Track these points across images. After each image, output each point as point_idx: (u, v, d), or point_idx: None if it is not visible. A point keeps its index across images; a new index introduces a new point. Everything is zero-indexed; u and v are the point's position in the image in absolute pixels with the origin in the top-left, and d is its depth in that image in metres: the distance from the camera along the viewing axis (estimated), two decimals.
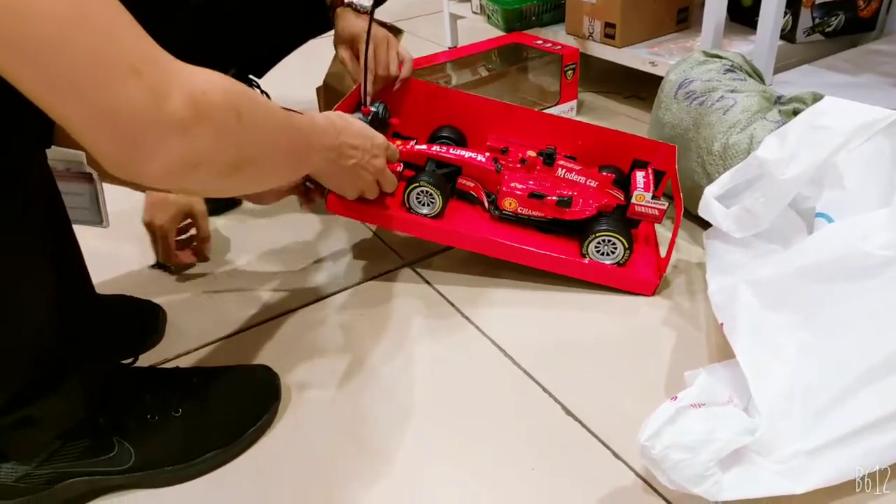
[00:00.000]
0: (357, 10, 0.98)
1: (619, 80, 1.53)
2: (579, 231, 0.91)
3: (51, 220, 0.57)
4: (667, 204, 0.88)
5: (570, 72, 1.35)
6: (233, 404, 0.71)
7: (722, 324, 0.71)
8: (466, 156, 0.94)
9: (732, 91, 0.99)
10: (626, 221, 0.90)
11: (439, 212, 0.93)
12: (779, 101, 0.98)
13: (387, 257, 0.99)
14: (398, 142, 0.96)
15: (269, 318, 0.88)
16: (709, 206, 0.83)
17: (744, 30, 1.37)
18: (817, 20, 1.32)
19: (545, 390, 0.75)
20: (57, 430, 0.61)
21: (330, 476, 0.67)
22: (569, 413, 0.72)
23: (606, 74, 1.56)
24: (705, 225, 0.88)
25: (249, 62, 1.31)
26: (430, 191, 0.90)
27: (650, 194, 0.88)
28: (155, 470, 0.66)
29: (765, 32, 1.13)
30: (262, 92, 1.38)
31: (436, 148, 0.95)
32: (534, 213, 0.92)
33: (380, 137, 0.79)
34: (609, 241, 0.88)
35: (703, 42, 1.20)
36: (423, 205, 0.92)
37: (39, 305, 0.56)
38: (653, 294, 0.88)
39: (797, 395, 0.62)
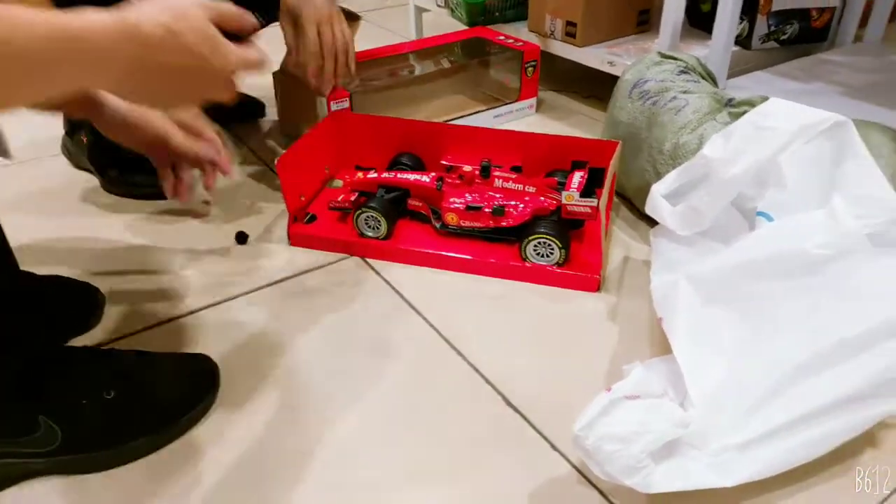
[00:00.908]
0: None
1: (580, 79, 1.54)
2: (519, 236, 0.93)
3: None
4: (597, 201, 0.88)
5: (530, 69, 1.36)
6: (168, 390, 0.69)
7: (661, 318, 0.72)
8: (412, 178, 0.99)
9: (685, 92, 1.00)
10: (563, 223, 0.92)
11: (386, 233, 0.97)
12: (729, 103, 0.99)
13: None
14: (359, 173, 1.03)
15: (211, 305, 0.86)
16: (655, 203, 0.83)
17: (702, 35, 1.39)
18: (773, 28, 1.35)
19: (487, 381, 0.75)
20: None
21: (264, 467, 0.66)
22: (510, 404, 0.72)
23: (568, 73, 1.57)
24: (655, 223, 0.89)
25: None
26: (375, 216, 0.96)
27: (579, 193, 0.90)
28: (81, 454, 0.64)
29: (720, 36, 1.14)
30: None
31: (385, 175, 1.00)
32: (475, 224, 0.96)
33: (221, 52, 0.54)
34: (545, 243, 0.90)
35: (660, 44, 1.21)
36: (371, 228, 0.97)
37: None
38: (597, 290, 0.89)
39: (731, 389, 0.63)
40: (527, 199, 0.95)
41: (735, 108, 0.96)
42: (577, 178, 0.94)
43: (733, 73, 1.24)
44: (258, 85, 1.36)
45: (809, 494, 0.63)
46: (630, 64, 1.11)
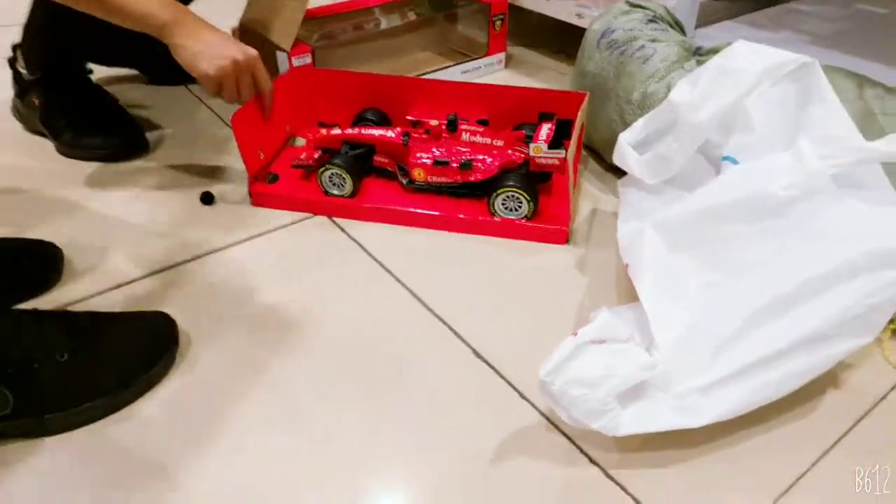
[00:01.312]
0: None
1: (550, 35, 1.52)
2: (487, 190, 0.91)
3: None
4: (565, 153, 0.87)
5: (498, 22, 1.33)
6: (125, 350, 0.67)
7: (627, 265, 0.71)
8: (377, 134, 0.96)
9: (653, 41, 0.98)
10: (530, 176, 0.91)
11: (352, 191, 0.94)
12: (698, 52, 0.98)
13: None
14: (322, 130, 0.99)
15: (175, 265, 0.84)
16: (622, 152, 0.82)
17: None
18: None
19: (456, 334, 0.74)
20: None
21: (225, 425, 0.64)
22: (478, 356, 0.72)
23: (537, 29, 1.55)
24: (623, 175, 0.88)
25: None
26: (340, 173, 0.93)
27: (546, 145, 0.88)
28: (36, 417, 0.62)
29: None
30: None
31: (349, 130, 0.97)
32: (443, 179, 0.94)
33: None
34: (513, 196, 0.88)
35: None
36: (336, 186, 0.94)
37: None
38: (566, 242, 0.88)
39: (696, 333, 0.63)
40: (495, 152, 0.93)
41: (703, 57, 0.95)
42: (545, 130, 0.92)
43: (701, 23, 1.23)
44: None
45: (770, 436, 0.63)
46: (598, 14, 1.09)
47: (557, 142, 0.91)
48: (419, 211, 0.92)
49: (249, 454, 0.61)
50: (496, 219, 0.90)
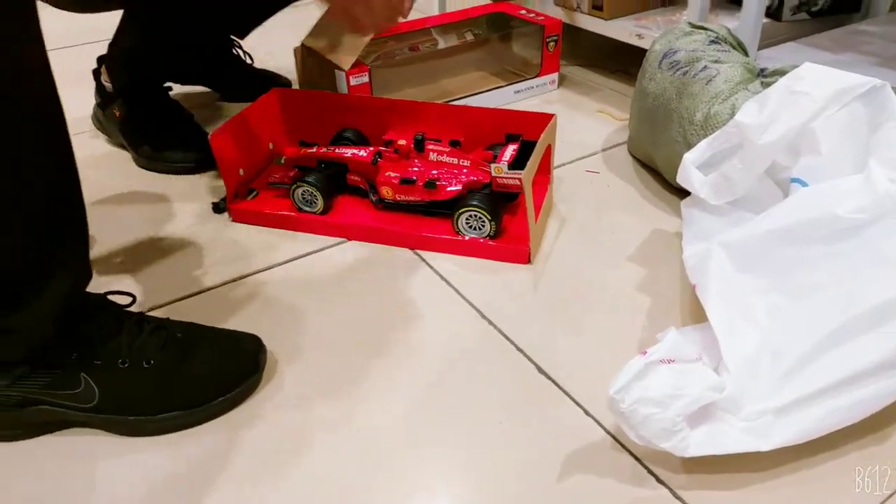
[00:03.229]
0: None
1: (608, 54, 1.53)
2: (453, 209, 0.92)
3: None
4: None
5: (551, 43, 1.34)
6: (209, 369, 0.69)
7: (695, 285, 0.71)
8: (349, 153, 0.98)
9: (716, 61, 0.98)
10: (494, 196, 0.92)
11: (323, 208, 0.97)
12: (762, 73, 0.98)
13: None
14: (303, 149, 1.02)
15: (250, 274, 0.88)
16: (687, 172, 0.83)
17: (731, 7, 1.37)
18: None
19: (519, 349, 0.76)
20: (29, 343, 0.62)
21: (297, 451, 0.66)
22: (541, 371, 0.73)
23: (595, 49, 1.56)
24: (685, 195, 0.89)
25: (232, 22, 1.29)
26: (311, 190, 0.96)
27: (507, 165, 0.90)
28: (115, 416, 0.65)
29: (750, 6, 1.12)
30: (245, 53, 1.36)
31: (324, 150, 1.00)
32: (410, 198, 0.95)
33: None
34: (476, 215, 0.90)
35: (690, 14, 1.20)
36: (309, 203, 0.97)
37: (34, 193, 0.56)
38: (528, 262, 0.89)
39: (766, 355, 0.63)
40: (463, 172, 0.94)
41: (768, 79, 0.95)
42: (510, 150, 0.94)
43: (764, 45, 1.22)
44: (285, 60, 1.37)
45: (841, 462, 0.62)
46: (659, 34, 1.10)
47: (521, 162, 0.90)
48: (383, 228, 0.94)
49: (314, 467, 0.64)
50: (461, 237, 0.91)
